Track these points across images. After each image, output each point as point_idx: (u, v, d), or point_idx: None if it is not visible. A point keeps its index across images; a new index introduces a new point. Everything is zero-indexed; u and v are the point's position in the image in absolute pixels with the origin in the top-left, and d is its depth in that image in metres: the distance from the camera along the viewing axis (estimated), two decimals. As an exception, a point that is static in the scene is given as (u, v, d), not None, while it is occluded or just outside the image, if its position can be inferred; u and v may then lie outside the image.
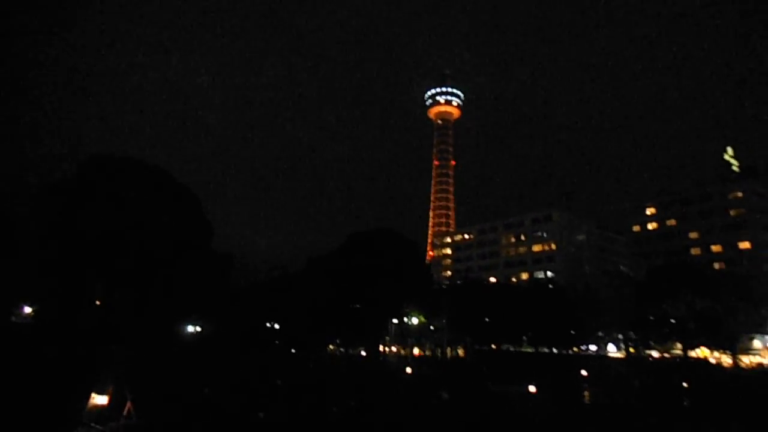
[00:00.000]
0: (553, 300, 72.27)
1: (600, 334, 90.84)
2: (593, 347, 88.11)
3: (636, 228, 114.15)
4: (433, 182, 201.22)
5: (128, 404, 12.80)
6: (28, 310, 53.82)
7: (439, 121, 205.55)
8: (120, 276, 41.43)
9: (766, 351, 78.34)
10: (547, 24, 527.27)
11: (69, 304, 39.18)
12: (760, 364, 67.71)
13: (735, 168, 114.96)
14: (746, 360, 71.25)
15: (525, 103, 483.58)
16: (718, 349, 67.22)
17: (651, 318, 68.70)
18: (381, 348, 67.87)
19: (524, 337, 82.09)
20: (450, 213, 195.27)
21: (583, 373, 38.63)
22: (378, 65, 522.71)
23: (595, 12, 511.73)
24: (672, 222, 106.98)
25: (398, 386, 28.69)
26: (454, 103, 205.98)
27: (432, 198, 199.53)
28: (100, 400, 12.18)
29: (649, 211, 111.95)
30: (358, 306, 58.87)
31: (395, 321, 62.39)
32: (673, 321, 68.05)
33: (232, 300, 52.96)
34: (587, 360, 72.74)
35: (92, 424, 12.22)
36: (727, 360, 65.96)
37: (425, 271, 65.42)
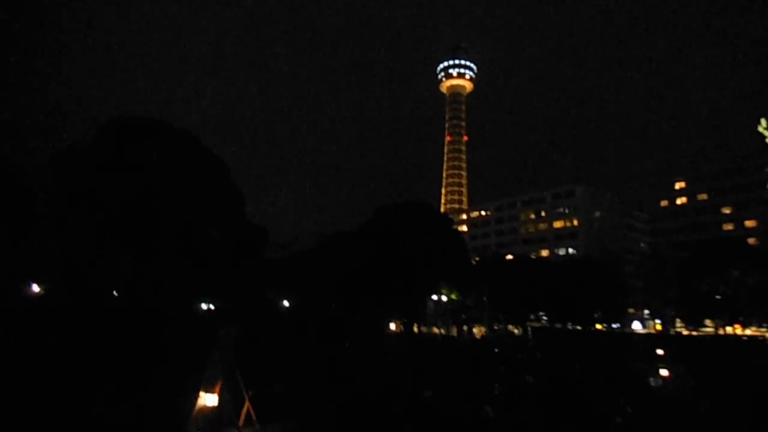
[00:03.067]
0: (593, 276, 68.85)
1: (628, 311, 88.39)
2: (614, 324, 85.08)
3: (664, 203, 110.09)
4: (445, 159, 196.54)
5: (246, 405, 9.10)
6: (36, 288, 48.39)
7: (451, 95, 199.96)
8: (147, 248, 37.79)
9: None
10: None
11: (95, 282, 35.52)
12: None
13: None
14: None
15: (541, 76, 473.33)
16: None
17: (697, 294, 65.42)
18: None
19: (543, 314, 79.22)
20: (463, 190, 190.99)
21: (660, 352, 35.01)
22: (388, 41, 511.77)
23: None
24: (703, 196, 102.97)
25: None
26: (467, 76, 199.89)
27: (444, 175, 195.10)
28: (209, 400, 8.50)
29: (679, 185, 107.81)
30: (392, 283, 55.13)
31: (434, 298, 59.08)
32: (718, 297, 64.97)
33: (264, 276, 49.35)
34: (625, 337, 69.73)
35: (202, 433, 8.54)
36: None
37: (461, 246, 61.72)
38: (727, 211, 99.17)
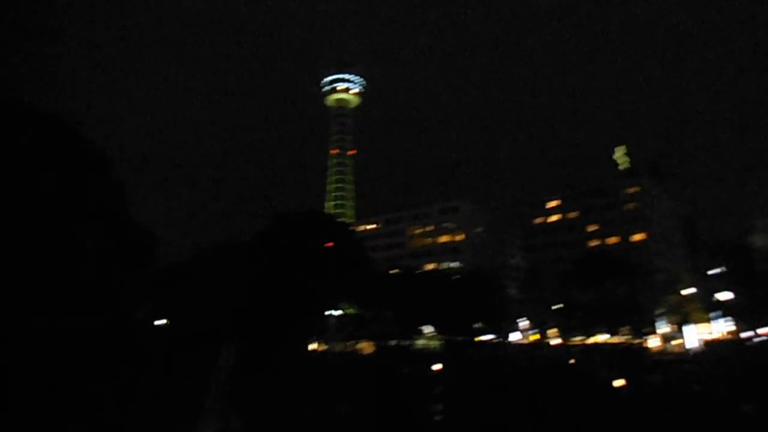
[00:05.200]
0: (480, 289, 70.66)
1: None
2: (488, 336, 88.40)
3: (538, 220, 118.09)
4: (330, 172, 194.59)
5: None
6: None
7: (337, 109, 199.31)
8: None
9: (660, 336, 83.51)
10: (448, 17, 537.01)
11: None
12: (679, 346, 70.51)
13: (622, 167, 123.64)
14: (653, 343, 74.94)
15: (427, 98, 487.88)
16: (639, 335, 69.55)
17: (576, 305, 69.99)
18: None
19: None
20: (348, 203, 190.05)
21: (571, 361, 35.60)
22: (273, 57, 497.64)
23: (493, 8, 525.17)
24: (573, 215, 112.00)
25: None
26: (353, 91, 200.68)
27: (329, 188, 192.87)
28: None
29: (553, 204, 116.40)
30: (286, 297, 51.16)
31: (335, 313, 56.05)
32: (595, 307, 69.93)
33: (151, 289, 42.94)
34: (506, 347, 72.47)
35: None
36: (654, 344, 68.29)
37: (364, 258, 59.62)
38: (592, 228, 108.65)
